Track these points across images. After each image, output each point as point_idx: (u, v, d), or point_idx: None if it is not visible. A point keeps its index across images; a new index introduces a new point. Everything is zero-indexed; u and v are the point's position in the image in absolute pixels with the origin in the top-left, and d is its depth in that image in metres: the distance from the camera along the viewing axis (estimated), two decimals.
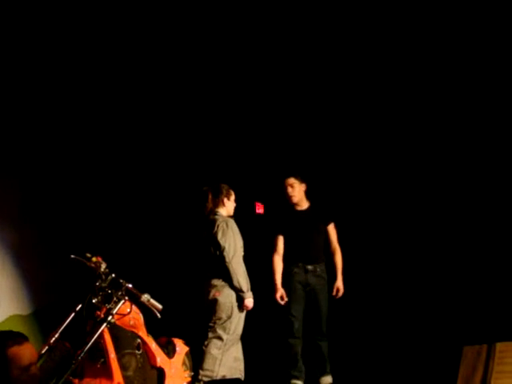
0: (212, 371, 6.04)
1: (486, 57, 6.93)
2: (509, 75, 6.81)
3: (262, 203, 7.49)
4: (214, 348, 6.09)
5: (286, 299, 6.63)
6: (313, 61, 7.66)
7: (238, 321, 6.18)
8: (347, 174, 7.71)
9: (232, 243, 6.15)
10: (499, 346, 5.66)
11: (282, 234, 6.77)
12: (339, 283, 6.66)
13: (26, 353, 3.17)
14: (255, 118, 7.96)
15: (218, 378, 6.07)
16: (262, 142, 7.96)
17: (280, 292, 6.64)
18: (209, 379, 6.05)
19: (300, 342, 6.62)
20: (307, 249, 6.65)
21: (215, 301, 6.14)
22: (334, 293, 6.64)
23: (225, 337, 6.11)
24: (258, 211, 7.57)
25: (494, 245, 6.86)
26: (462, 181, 7.13)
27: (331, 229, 6.77)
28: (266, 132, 7.94)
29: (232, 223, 6.28)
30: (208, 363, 6.07)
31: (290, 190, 6.69)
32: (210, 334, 6.13)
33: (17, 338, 3.19)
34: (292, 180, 6.69)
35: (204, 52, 7.71)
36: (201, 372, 6.03)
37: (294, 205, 6.76)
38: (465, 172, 7.13)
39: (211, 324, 6.15)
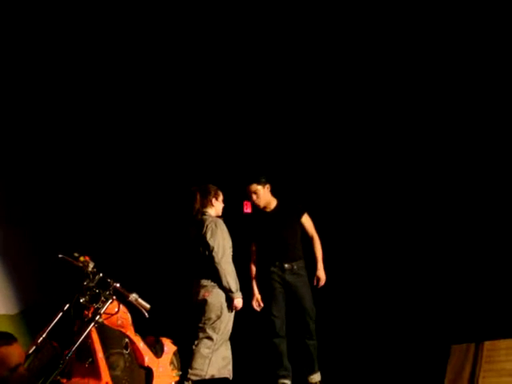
0: (202, 370, 6.05)
1: (486, 57, 6.95)
2: (509, 75, 6.83)
3: (250, 202, 7.48)
4: (204, 348, 6.10)
5: (262, 305, 6.64)
6: (293, 63, 7.70)
7: (227, 321, 6.18)
8: (327, 166, 7.76)
9: (221, 243, 6.15)
10: (487, 344, 5.70)
11: (256, 240, 6.75)
12: (319, 273, 6.58)
13: (15, 353, 3.15)
14: (241, 119, 7.96)
15: (207, 377, 6.08)
16: (248, 141, 7.96)
17: (255, 298, 6.65)
18: (198, 378, 6.06)
19: (284, 341, 6.59)
20: (282, 248, 6.58)
21: (205, 301, 6.14)
22: (315, 283, 6.59)
23: (215, 337, 6.11)
24: (246, 211, 7.56)
25: (483, 244, 6.88)
26: (441, 169, 7.16)
27: (305, 220, 6.68)
28: (253, 132, 7.94)
29: (221, 223, 6.28)
30: (198, 363, 6.07)
31: (254, 197, 6.61)
32: (201, 335, 6.13)
33: (6, 338, 3.17)
34: (254, 186, 6.58)
35: (188, 57, 7.74)
36: (190, 371, 6.03)
37: (262, 208, 6.72)
38: (444, 164, 7.16)
39: (201, 324, 6.15)
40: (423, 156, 7.32)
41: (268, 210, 6.71)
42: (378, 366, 6.83)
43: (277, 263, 6.57)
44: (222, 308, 6.13)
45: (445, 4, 6.97)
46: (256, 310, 6.66)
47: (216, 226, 6.21)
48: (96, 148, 7.69)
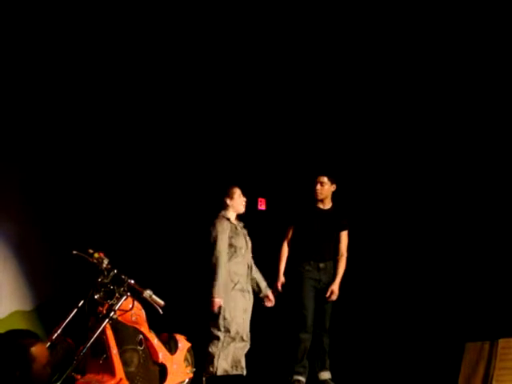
0: (212, 367, 6.12)
1: (486, 57, 6.93)
2: (509, 75, 6.81)
3: (264, 198, 7.49)
4: (211, 346, 6.21)
5: (281, 291, 6.71)
6: (318, 61, 7.68)
7: (231, 318, 6.21)
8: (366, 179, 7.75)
9: (217, 245, 6.22)
10: (501, 342, 5.66)
11: (297, 227, 6.82)
12: (334, 286, 6.63)
13: (45, 350, 3.17)
14: (258, 115, 7.95)
15: (219, 373, 6.11)
16: (264, 138, 7.96)
17: (281, 280, 6.72)
18: (209, 375, 6.11)
19: (310, 338, 6.60)
20: (321, 247, 6.71)
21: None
22: (328, 294, 6.62)
23: (219, 334, 6.19)
24: (260, 207, 7.57)
25: (497, 241, 6.86)
26: (465, 182, 7.14)
27: (343, 235, 6.80)
28: (268, 129, 7.94)
29: (220, 224, 6.31)
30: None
31: (318, 186, 6.72)
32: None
33: (33, 336, 3.18)
34: (324, 178, 6.72)
35: (210, 51, 7.71)
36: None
37: (317, 201, 6.78)
38: (467, 174, 7.14)
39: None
40: (437, 165, 7.33)
41: (322, 206, 6.81)
42: (391, 365, 6.83)
43: (312, 262, 6.67)
44: (224, 306, 6.17)
45: (445, 4, 6.94)
46: (278, 291, 6.69)
47: (214, 226, 6.30)
48: (112, 145, 7.69)
